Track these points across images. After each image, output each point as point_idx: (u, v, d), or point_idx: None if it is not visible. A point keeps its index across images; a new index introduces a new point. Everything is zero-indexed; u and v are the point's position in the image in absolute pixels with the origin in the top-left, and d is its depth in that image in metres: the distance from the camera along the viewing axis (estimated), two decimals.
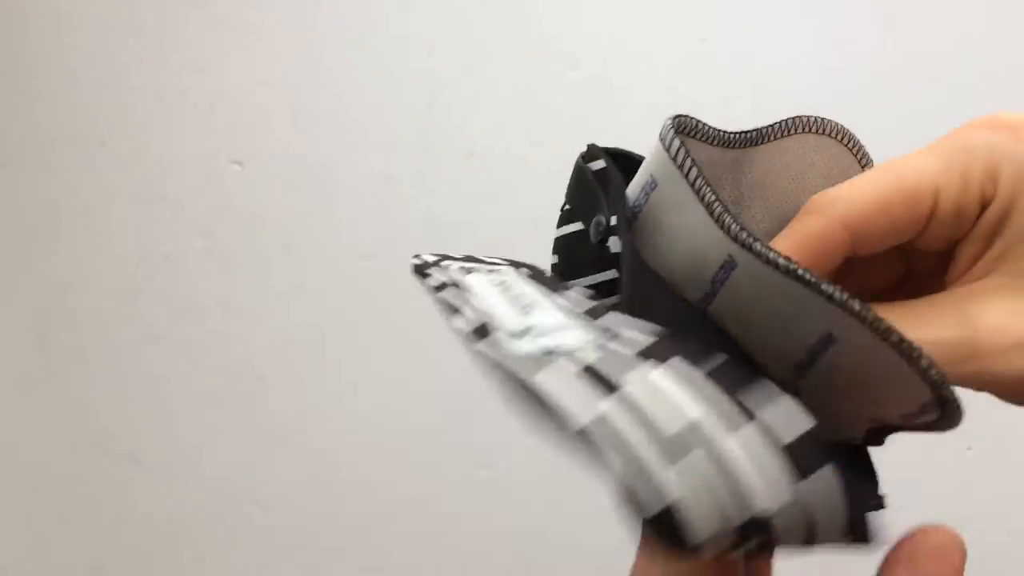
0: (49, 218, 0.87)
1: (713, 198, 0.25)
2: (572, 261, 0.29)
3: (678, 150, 0.26)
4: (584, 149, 0.30)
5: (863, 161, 0.28)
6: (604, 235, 0.27)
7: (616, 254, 0.26)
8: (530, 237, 0.77)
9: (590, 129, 0.74)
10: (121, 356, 0.87)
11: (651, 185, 0.26)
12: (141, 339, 0.86)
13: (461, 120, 0.77)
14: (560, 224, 0.30)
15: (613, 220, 0.27)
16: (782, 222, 0.27)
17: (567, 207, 0.30)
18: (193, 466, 0.87)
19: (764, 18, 0.72)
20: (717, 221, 0.24)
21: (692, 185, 0.26)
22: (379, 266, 0.80)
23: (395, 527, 0.84)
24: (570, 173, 0.30)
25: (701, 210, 0.25)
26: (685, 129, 0.27)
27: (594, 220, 0.27)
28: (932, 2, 0.76)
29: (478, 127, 0.77)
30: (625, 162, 0.29)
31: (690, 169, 0.26)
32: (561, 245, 0.30)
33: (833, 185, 0.25)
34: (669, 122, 0.27)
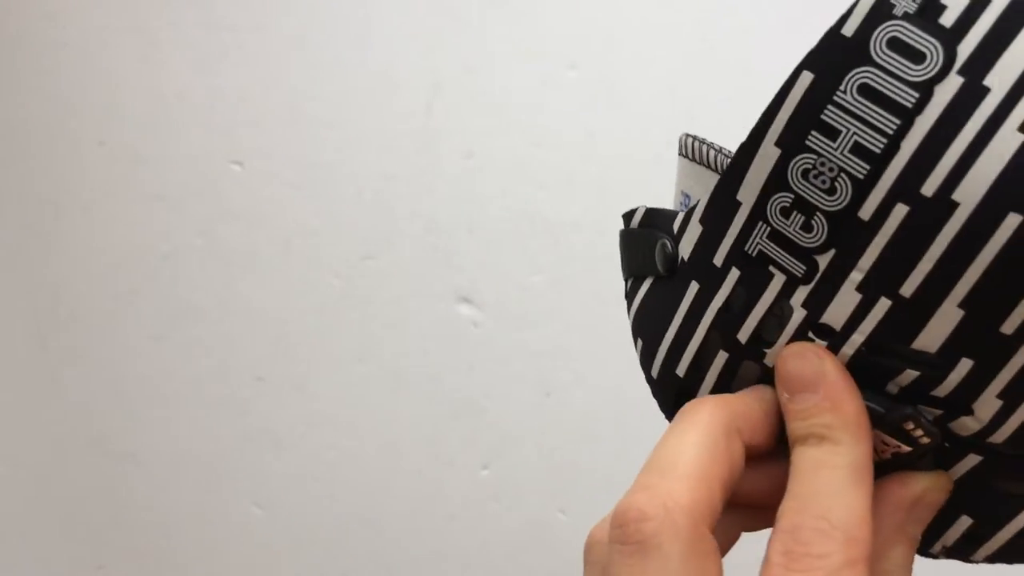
0: (49, 218, 0.87)
1: None
2: (660, 324, 0.26)
3: (696, 147, 0.25)
4: (620, 227, 0.28)
5: None
6: (673, 253, 0.25)
7: (688, 260, 0.24)
8: (530, 237, 0.77)
9: (590, 129, 0.74)
10: (121, 356, 0.87)
11: (685, 201, 0.26)
12: (141, 339, 0.86)
13: (461, 120, 0.77)
14: (630, 302, 0.28)
15: (676, 224, 0.25)
16: None
17: (630, 282, 0.28)
18: (193, 466, 0.87)
19: (764, 18, 0.72)
20: None
21: (717, 170, 0.25)
22: (379, 266, 0.80)
23: (395, 527, 0.84)
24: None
25: None
26: (697, 139, 0.26)
27: (657, 249, 0.25)
28: None
29: (478, 127, 0.77)
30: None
31: (715, 157, 0.25)
32: (643, 321, 0.27)
33: None
34: (683, 135, 0.26)
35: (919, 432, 0.22)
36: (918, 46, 0.19)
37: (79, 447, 0.89)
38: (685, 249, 0.24)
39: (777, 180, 0.21)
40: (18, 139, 0.86)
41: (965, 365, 0.21)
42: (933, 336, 0.21)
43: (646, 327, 0.27)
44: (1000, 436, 0.22)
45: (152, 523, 0.89)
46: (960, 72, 0.19)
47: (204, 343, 0.85)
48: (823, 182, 0.21)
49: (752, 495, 0.24)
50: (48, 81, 0.85)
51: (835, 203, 0.21)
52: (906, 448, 0.22)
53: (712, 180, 0.25)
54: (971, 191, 0.19)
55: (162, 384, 0.86)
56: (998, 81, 0.18)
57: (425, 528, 0.84)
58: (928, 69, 0.19)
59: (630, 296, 0.28)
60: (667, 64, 0.73)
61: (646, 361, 0.27)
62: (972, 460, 0.23)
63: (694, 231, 0.24)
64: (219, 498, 0.87)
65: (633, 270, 0.27)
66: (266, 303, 0.83)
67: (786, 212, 0.22)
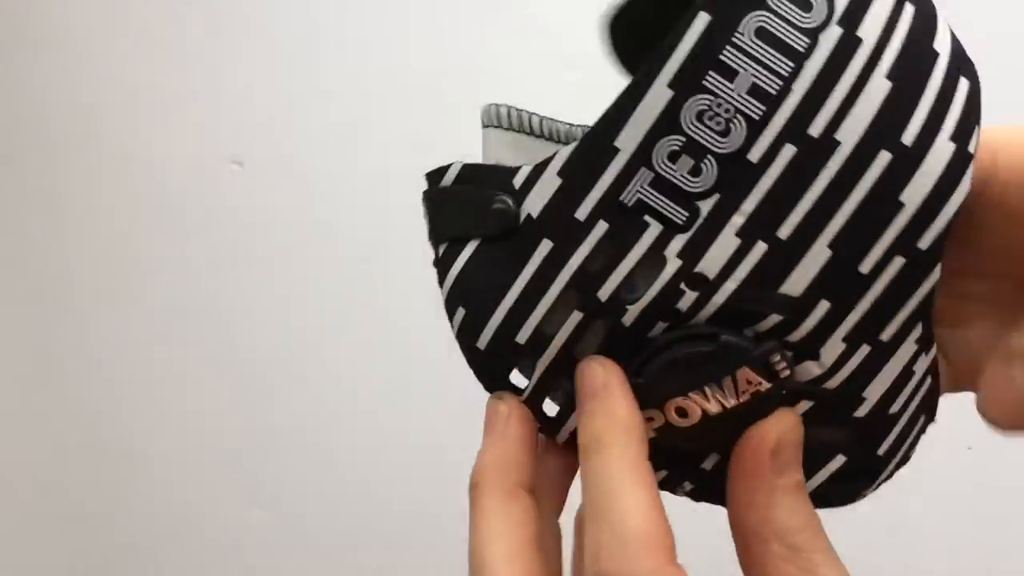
0: (49, 218, 0.87)
1: (567, 126, 0.25)
2: (494, 289, 0.24)
3: (513, 116, 0.25)
4: (424, 187, 0.26)
5: None
6: (514, 211, 0.23)
7: (538, 218, 0.23)
8: None
9: None
10: (121, 356, 0.87)
11: None
12: (141, 339, 0.86)
13: (461, 120, 0.77)
14: (446, 269, 0.25)
15: (519, 180, 0.23)
16: None
17: (445, 247, 0.25)
18: (193, 466, 0.87)
19: None
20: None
21: (543, 135, 0.25)
22: (379, 266, 0.80)
23: (395, 527, 0.84)
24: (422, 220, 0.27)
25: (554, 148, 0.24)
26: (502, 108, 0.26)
27: (493, 207, 0.24)
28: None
29: (478, 127, 0.77)
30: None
31: (541, 123, 0.25)
32: (466, 288, 0.25)
33: None
34: (489, 106, 0.26)
35: (783, 364, 0.23)
36: None
37: (79, 447, 0.89)
38: (534, 205, 0.23)
39: (667, 123, 0.21)
40: (18, 139, 0.86)
41: (822, 307, 0.22)
42: (800, 279, 0.22)
43: (472, 294, 0.25)
44: (835, 381, 0.23)
45: (152, 523, 0.89)
46: (839, 23, 0.20)
47: (204, 343, 0.85)
48: (717, 123, 0.21)
49: None
50: (48, 81, 0.85)
51: (728, 145, 0.21)
52: (766, 385, 0.23)
53: (539, 147, 0.25)
54: (851, 130, 0.21)
55: (162, 384, 0.86)
56: (868, 32, 0.21)
57: (425, 528, 0.84)
58: (815, 18, 0.20)
59: (443, 263, 0.26)
60: None
61: (470, 332, 0.25)
62: (803, 406, 0.24)
63: (549, 185, 0.23)
64: (219, 498, 0.87)
65: (449, 233, 0.25)
66: (266, 303, 0.83)
67: (674, 156, 0.21)
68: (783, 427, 0.23)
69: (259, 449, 0.85)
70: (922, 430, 0.26)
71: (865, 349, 0.23)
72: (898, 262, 0.22)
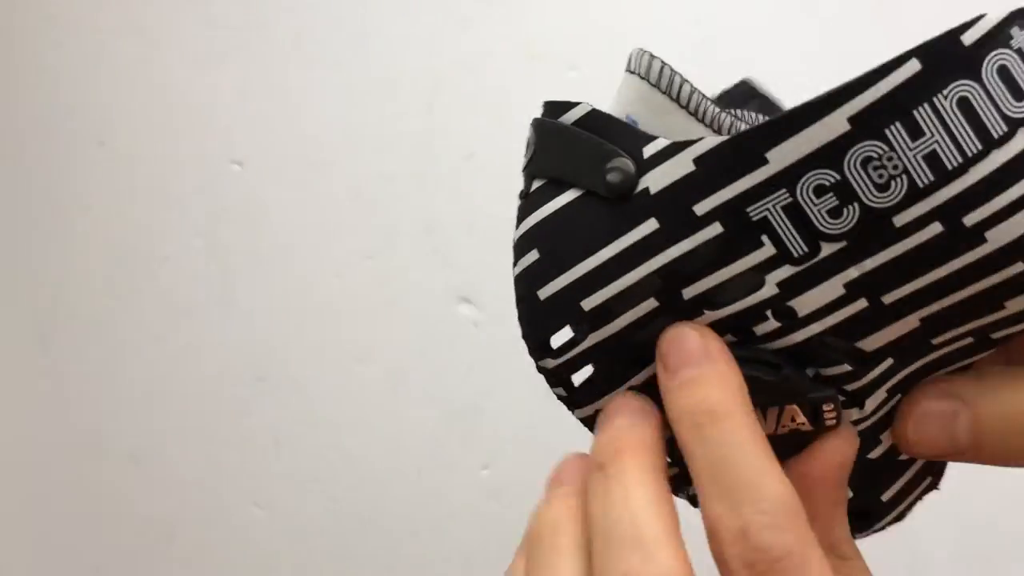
0: (49, 218, 0.87)
1: (717, 110, 0.23)
2: (580, 245, 0.23)
3: (663, 72, 0.24)
4: (541, 110, 0.25)
5: None
6: (632, 180, 0.22)
7: (656, 195, 0.22)
8: None
9: None
10: (121, 356, 0.87)
11: (631, 123, 0.24)
12: (141, 339, 0.86)
13: (461, 120, 0.77)
14: (534, 207, 0.24)
15: (650, 150, 0.22)
16: None
17: (541, 184, 0.24)
18: (193, 466, 0.87)
19: (765, 19, 0.72)
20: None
21: (687, 108, 0.23)
22: (379, 266, 0.80)
23: (396, 527, 0.84)
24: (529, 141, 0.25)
25: (701, 130, 0.23)
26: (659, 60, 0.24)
27: (611, 166, 0.22)
28: (934, 3, 0.76)
29: (478, 127, 0.77)
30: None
31: (692, 94, 0.23)
32: (550, 233, 0.24)
33: None
34: (639, 51, 0.24)
35: (832, 415, 0.22)
36: (1021, 83, 0.19)
37: (79, 447, 0.89)
38: (656, 181, 0.22)
39: (828, 156, 0.20)
40: (18, 139, 0.86)
41: (886, 364, 0.22)
42: (880, 339, 0.22)
43: (554, 242, 0.23)
44: (865, 425, 0.24)
45: (152, 523, 0.89)
46: None
47: (204, 343, 0.85)
48: (880, 176, 0.20)
49: None
50: (48, 81, 0.85)
51: (880, 201, 0.20)
52: (807, 427, 0.23)
53: (678, 119, 0.24)
54: (1003, 234, 0.19)
55: (162, 384, 0.86)
56: None
57: (425, 528, 0.84)
58: (1022, 109, 0.19)
59: (533, 199, 0.24)
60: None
61: (535, 278, 0.24)
62: None
63: (679, 167, 0.22)
64: (219, 498, 0.87)
65: (552, 172, 0.24)
66: (266, 303, 0.83)
67: (821, 191, 0.20)
68: (849, 447, 0.23)
69: (259, 449, 0.85)
70: (925, 491, 0.26)
71: (898, 398, 0.24)
72: (966, 341, 0.22)
